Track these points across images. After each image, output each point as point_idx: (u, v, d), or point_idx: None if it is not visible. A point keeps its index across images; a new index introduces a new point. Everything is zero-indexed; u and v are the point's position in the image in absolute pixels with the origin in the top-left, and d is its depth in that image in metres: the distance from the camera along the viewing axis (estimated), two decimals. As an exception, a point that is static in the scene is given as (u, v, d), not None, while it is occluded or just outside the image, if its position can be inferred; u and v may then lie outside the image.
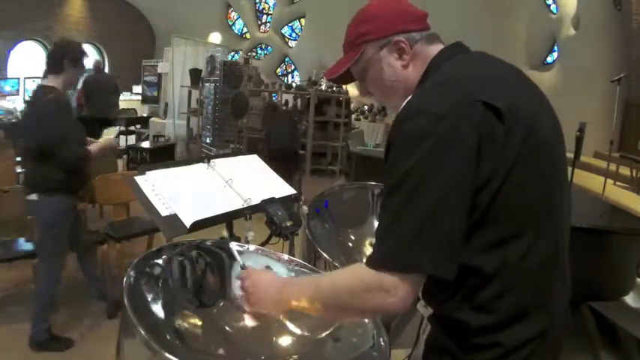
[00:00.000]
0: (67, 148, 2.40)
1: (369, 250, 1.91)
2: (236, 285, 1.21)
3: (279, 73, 12.90)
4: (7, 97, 9.45)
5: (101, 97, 6.78)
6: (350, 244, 1.91)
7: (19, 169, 4.61)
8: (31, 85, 9.20)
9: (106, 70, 11.92)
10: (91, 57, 7.01)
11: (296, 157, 5.98)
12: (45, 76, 2.49)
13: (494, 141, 0.81)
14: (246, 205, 1.56)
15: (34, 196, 2.46)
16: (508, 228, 0.84)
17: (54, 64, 2.47)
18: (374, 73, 1.00)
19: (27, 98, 9.26)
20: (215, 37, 11.44)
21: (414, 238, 0.79)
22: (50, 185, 2.45)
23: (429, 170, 0.80)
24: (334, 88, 8.94)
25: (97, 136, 6.28)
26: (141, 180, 1.48)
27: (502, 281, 0.84)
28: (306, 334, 1.23)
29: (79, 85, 7.68)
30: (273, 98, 8.68)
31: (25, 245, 3.09)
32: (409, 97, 0.92)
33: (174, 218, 1.39)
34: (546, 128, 0.89)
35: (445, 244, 0.80)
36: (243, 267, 1.20)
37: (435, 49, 0.97)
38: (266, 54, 12.92)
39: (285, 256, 1.39)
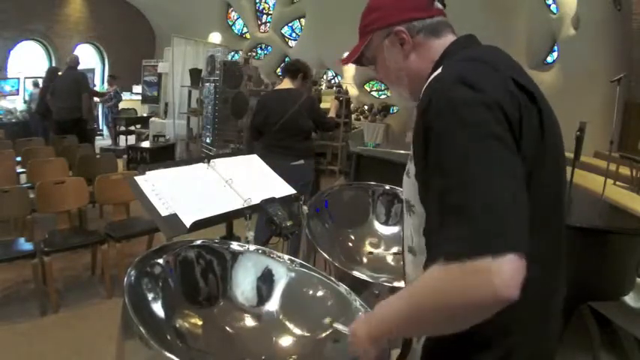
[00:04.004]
0: (327, 120, 3.62)
1: (368, 249, 1.90)
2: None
3: (279, 73, 12.89)
4: (7, 97, 9.46)
5: (59, 98, 6.05)
6: (350, 244, 1.91)
7: (19, 169, 4.61)
8: (31, 85, 9.22)
9: (106, 69, 11.98)
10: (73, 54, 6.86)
11: None
12: (282, 80, 3.60)
13: (530, 123, 0.78)
14: (246, 205, 1.56)
15: (300, 162, 3.36)
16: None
17: (294, 73, 3.43)
18: (380, 61, 1.01)
19: (24, 99, 9.30)
20: (215, 37, 11.43)
21: (500, 214, 0.68)
22: (310, 153, 3.53)
23: (486, 138, 0.72)
24: (334, 88, 8.94)
25: (85, 137, 6.14)
26: (141, 180, 1.48)
27: None
28: (306, 334, 1.24)
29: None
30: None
31: (25, 245, 3.09)
32: (433, 75, 0.87)
33: (174, 218, 1.39)
34: (557, 125, 0.89)
35: (523, 217, 0.71)
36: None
37: (444, 40, 0.95)
38: (266, 54, 12.90)
39: (286, 257, 1.40)
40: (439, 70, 0.88)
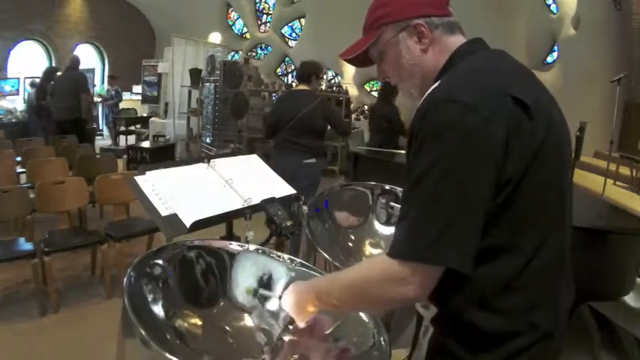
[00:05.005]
0: (343, 120, 3.89)
1: (368, 249, 1.91)
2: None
3: (279, 73, 12.88)
4: (7, 97, 9.45)
5: (58, 98, 6.07)
6: (350, 244, 1.91)
7: (19, 169, 4.61)
8: (29, 85, 9.21)
9: (106, 69, 11.98)
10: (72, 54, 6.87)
11: None
12: (298, 84, 3.72)
13: (521, 138, 0.81)
14: (246, 205, 1.56)
15: (312, 160, 3.46)
16: (520, 229, 0.84)
17: (305, 77, 3.55)
18: (392, 55, 0.99)
19: (24, 99, 9.29)
20: (215, 37, 11.44)
21: (441, 230, 0.78)
22: (322, 152, 3.67)
23: (458, 161, 0.79)
24: (334, 88, 8.94)
25: (86, 137, 6.18)
26: (141, 180, 1.48)
27: (511, 282, 0.84)
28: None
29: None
30: (273, 98, 8.68)
31: (25, 245, 3.09)
32: (433, 86, 0.90)
33: (174, 218, 1.39)
34: (559, 129, 0.90)
35: (469, 239, 0.80)
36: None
37: (456, 40, 0.96)
38: (266, 54, 12.90)
39: (286, 256, 1.39)
40: (437, 84, 0.89)
